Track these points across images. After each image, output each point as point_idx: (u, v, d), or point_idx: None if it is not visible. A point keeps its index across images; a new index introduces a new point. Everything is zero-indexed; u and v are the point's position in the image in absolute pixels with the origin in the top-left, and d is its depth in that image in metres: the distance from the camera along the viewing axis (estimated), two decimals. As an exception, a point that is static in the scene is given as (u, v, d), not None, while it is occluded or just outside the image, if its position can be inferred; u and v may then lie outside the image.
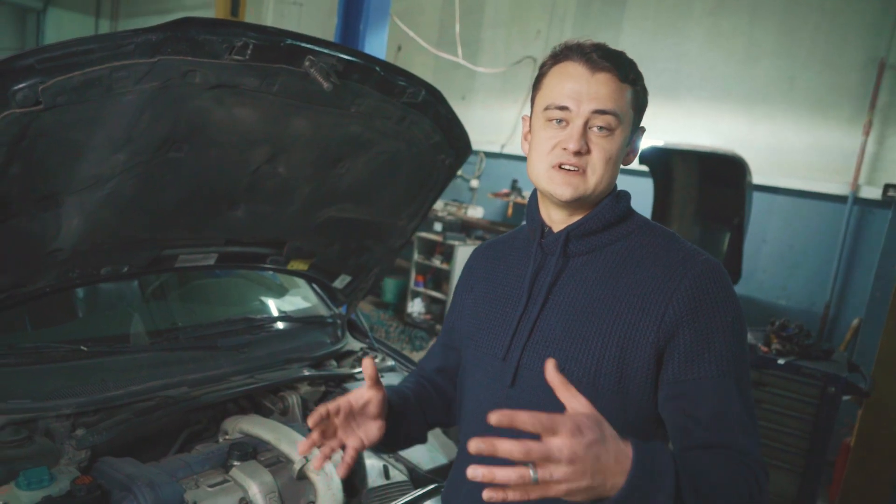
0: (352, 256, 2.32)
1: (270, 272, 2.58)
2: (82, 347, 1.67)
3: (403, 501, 1.56)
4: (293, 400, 1.88)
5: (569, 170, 0.96)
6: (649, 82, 1.03)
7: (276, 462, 1.58)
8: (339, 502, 1.51)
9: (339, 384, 2.08)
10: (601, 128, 0.95)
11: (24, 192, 1.27)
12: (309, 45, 1.39)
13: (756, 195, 4.64)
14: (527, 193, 5.80)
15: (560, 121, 0.96)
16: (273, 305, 2.47)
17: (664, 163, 4.11)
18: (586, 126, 0.95)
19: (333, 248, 2.22)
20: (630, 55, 0.99)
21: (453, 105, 1.86)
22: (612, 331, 0.96)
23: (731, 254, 4.01)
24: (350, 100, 1.61)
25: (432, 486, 1.65)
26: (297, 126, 1.62)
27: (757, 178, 4.67)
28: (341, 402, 0.99)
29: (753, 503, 0.89)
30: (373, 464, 1.69)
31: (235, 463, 1.53)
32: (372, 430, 1.03)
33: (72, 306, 2.13)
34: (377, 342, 2.51)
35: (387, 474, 1.68)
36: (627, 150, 1.03)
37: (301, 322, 2.34)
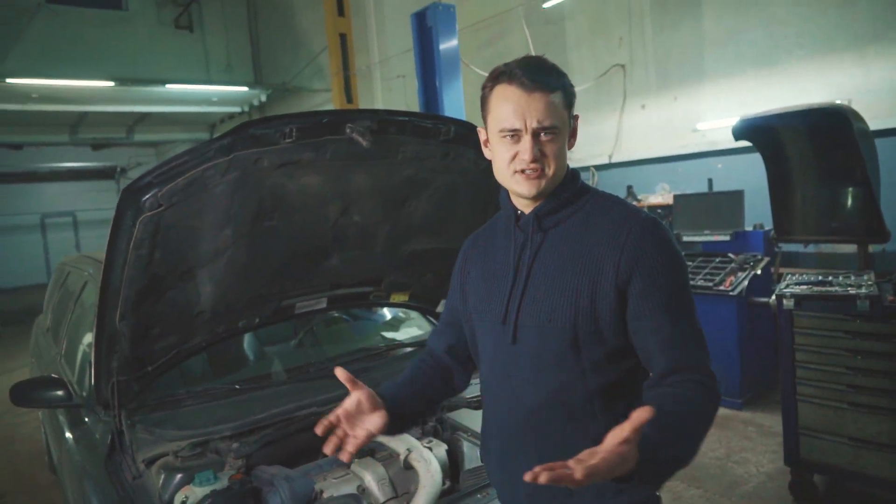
0: (445, 282, 2.61)
1: (384, 308, 2.99)
2: (236, 386, 2.15)
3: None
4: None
5: (529, 173, 1.19)
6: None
7: (389, 457, 1.89)
8: (438, 483, 1.77)
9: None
10: (547, 134, 1.17)
11: (169, 271, 1.76)
12: (344, 117, 1.76)
13: (892, 141, 4.24)
14: (643, 196, 5.76)
15: (513, 136, 1.19)
16: (390, 337, 2.85)
17: (767, 133, 3.93)
18: (534, 136, 1.17)
19: (426, 277, 2.54)
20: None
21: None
22: (582, 281, 1.17)
23: (866, 211, 3.68)
24: (395, 149, 1.93)
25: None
26: (358, 180, 1.99)
27: (886, 121, 4.27)
28: (338, 410, 1.21)
29: (712, 408, 1.08)
30: (470, 447, 1.94)
31: (355, 460, 1.87)
32: (375, 420, 1.23)
33: (242, 357, 2.69)
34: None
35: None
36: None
37: (413, 346, 2.68)
